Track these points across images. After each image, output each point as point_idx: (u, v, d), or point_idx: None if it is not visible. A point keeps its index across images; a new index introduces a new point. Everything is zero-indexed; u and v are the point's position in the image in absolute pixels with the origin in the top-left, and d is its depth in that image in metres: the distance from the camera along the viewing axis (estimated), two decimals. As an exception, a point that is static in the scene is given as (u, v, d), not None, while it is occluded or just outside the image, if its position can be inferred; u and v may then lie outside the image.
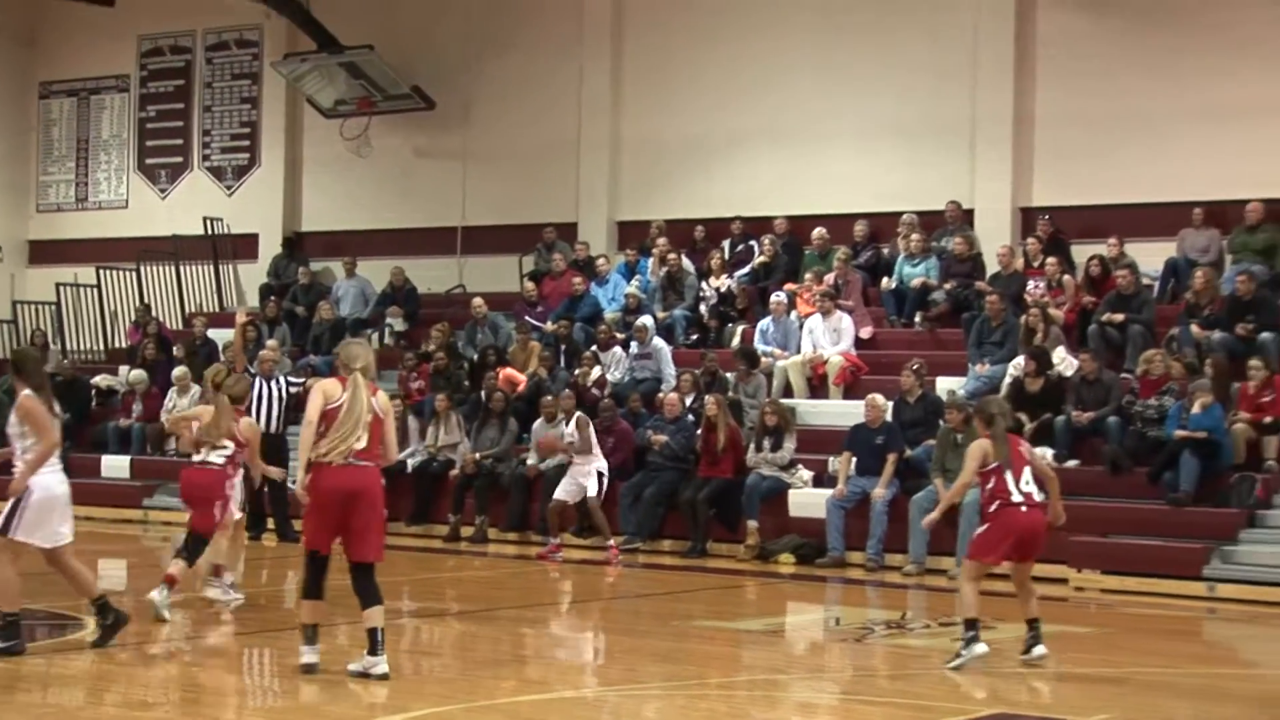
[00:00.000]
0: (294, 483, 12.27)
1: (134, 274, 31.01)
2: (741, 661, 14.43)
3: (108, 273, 31.11)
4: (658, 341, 24.06)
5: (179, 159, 32.29)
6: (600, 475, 20.76)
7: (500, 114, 28.78)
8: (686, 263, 25.67)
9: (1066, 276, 22.99)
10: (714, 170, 26.94)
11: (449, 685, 12.54)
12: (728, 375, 23.03)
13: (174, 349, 28.02)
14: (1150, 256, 23.29)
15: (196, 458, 15.25)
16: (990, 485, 13.19)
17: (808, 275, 24.49)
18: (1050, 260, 23.24)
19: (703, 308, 25.21)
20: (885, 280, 24.69)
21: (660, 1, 27.49)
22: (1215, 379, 19.95)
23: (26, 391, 11.98)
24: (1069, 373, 21.29)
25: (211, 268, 31.06)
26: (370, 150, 29.49)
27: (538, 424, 22.56)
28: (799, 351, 23.49)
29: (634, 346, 24.08)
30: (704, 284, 25.47)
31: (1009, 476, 13.06)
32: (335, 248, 29.55)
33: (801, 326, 23.69)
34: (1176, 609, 17.87)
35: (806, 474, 21.38)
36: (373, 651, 11.28)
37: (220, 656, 13.62)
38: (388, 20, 29.11)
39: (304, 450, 11.44)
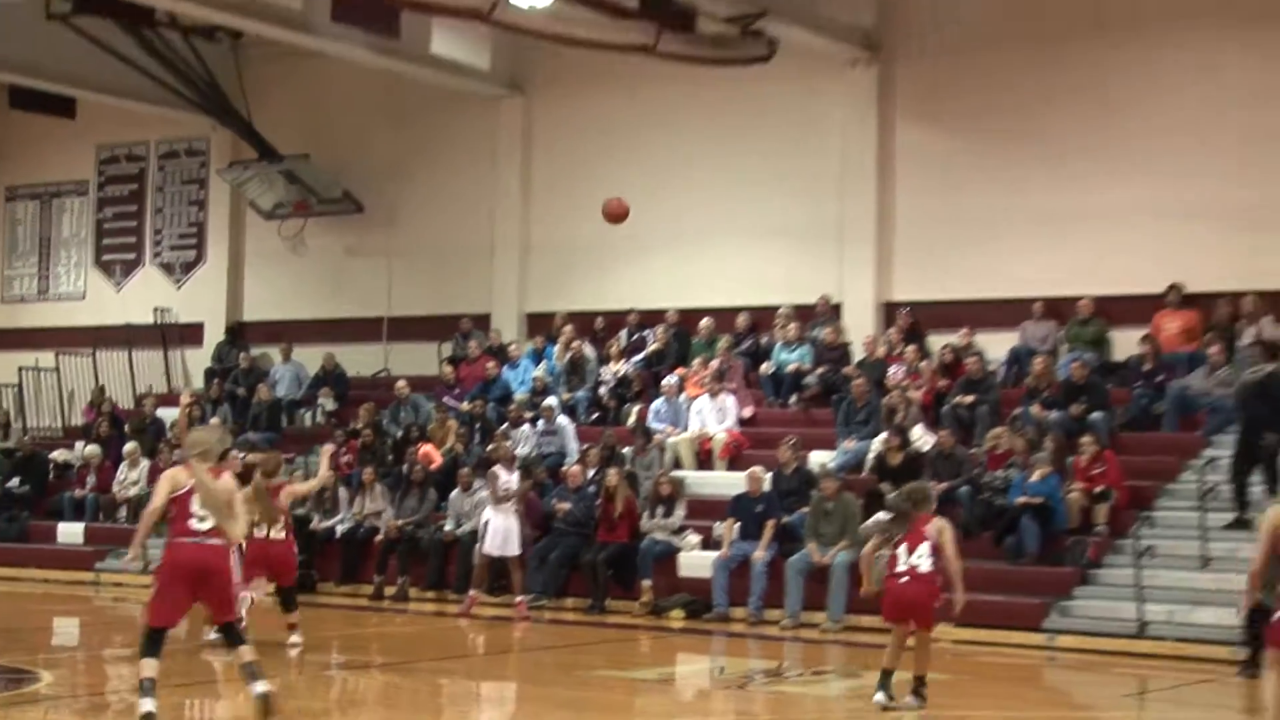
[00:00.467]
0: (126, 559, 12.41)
1: (90, 359, 30.85)
2: (635, 707, 14.49)
3: (66, 358, 30.95)
4: (562, 420, 24.06)
5: (133, 255, 32.12)
6: (523, 528, 20.69)
7: (423, 217, 28.77)
8: (588, 350, 25.76)
9: (923, 363, 23.18)
10: (613, 268, 27.00)
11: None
12: (625, 450, 23.05)
13: (125, 426, 27.89)
14: (996, 345, 23.55)
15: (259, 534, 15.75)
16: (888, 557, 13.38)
17: (695, 361, 24.57)
18: (909, 348, 23.42)
19: (602, 390, 25.23)
20: (764, 365, 24.72)
21: (565, 119, 27.52)
22: (1053, 453, 20.17)
23: None
24: (926, 448, 21.41)
25: (161, 353, 30.82)
26: (305, 248, 29.40)
27: (454, 493, 22.53)
28: (688, 429, 23.51)
29: (541, 424, 24.01)
30: (603, 369, 25.55)
31: (901, 550, 13.15)
32: (273, 335, 29.41)
33: (690, 407, 23.72)
34: (1020, 658, 17.95)
35: (695, 538, 21.34)
36: (255, 678, 11.12)
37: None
38: (322, 132, 29.10)
39: (142, 532, 11.66)
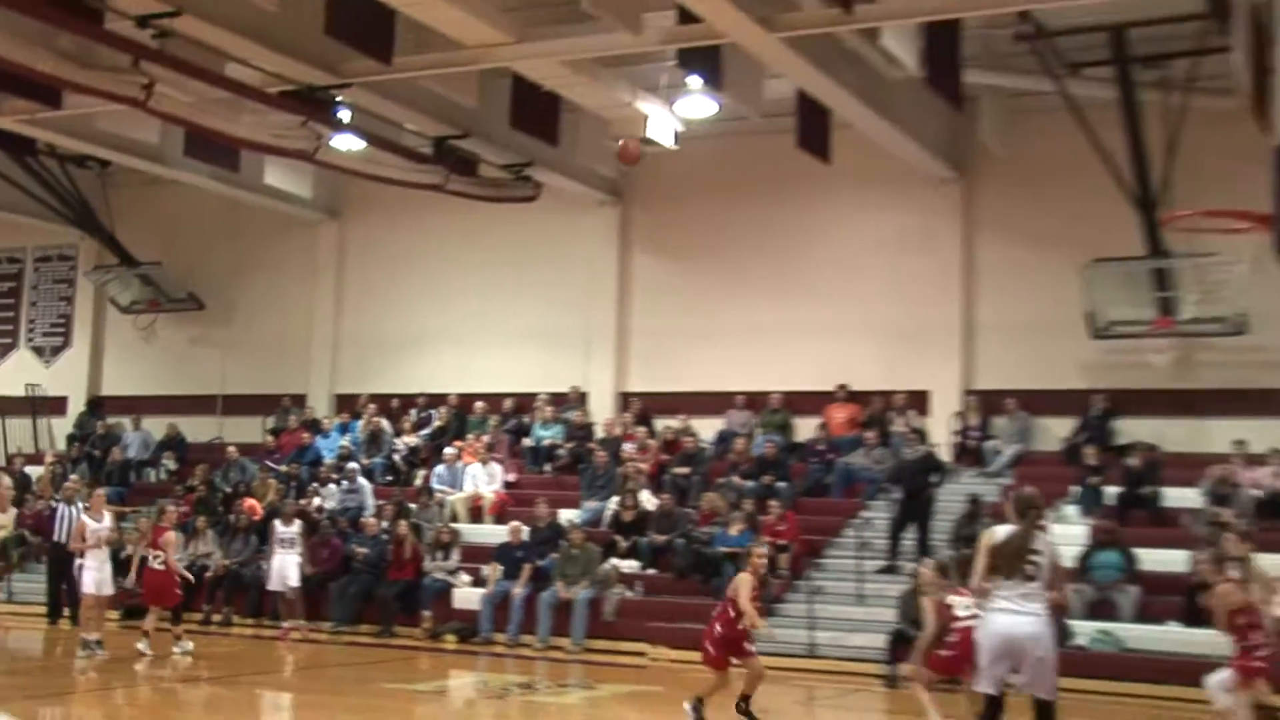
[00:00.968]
0: None
1: (-30, 425, 30.13)
2: (416, 714, 14.45)
3: (-51, 424, 30.20)
4: (362, 480, 23.98)
5: (9, 340, 31.28)
6: (302, 567, 20.79)
7: (253, 314, 28.59)
8: (385, 424, 25.73)
9: (650, 440, 23.43)
10: (407, 359, 27.01)
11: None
12: (412, 505, 23.07)
13: (-1, 480, 27.16)
14: (706, 428, 23.85)
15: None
16: None
17: (471, 435, 24.67)
18: (640, 429, 23.75)
19: (396, 457, 25.23)
20: (525, 440, 24.97)
21: (373, 239, 27.58)
22: (748, 513, 20.58)
23: None
24: (651, 507, 21.62)
25: (30, 421, 30.14)
26: (155, 337, 29.06)
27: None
28: (464, 489, 23.57)
29: (345, 484, 23.96)
30: (397, 440, 25.56)
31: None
32: (127, 408, 28.77)
33: (466, 471, 23.79)
34: None
35: (466, 577, 21.35)
36: None
37: None
38: (172, 244, 28.74)
39: None
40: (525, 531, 21.39)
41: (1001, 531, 9.97)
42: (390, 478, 24.87)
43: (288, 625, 20.49)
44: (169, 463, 27.24)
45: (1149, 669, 16.48)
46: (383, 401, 26.42)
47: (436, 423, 25.71)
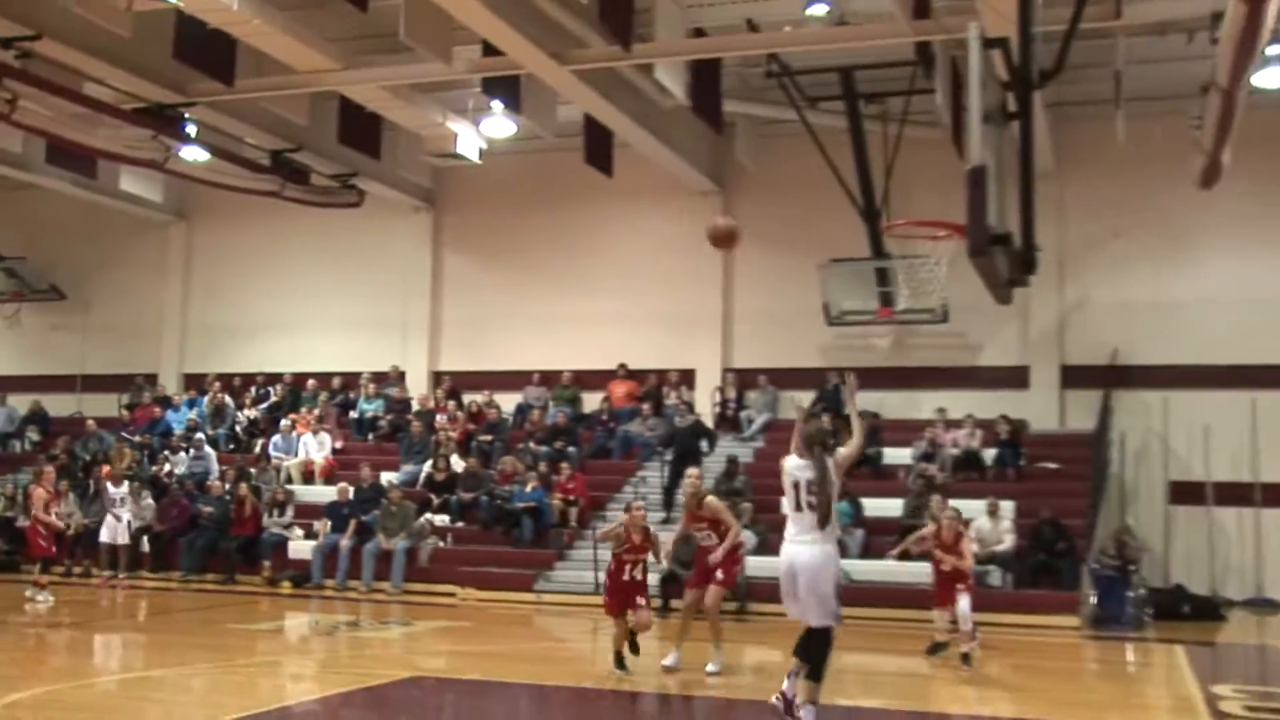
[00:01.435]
0: None
1: None
2: (256, 649, 14.15)
3: None
4: (207, 449, 23.45)
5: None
6: (130, 524, 20.09)
7: (110, 303, 27.58)
8: (228, 400, 25.14)
9: (459, 412, 23.40)
10: (248, 342, 26.38)
11: (62, 670, 12.15)
12: (252, 470, 22.61)
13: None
14: (507, 402, 23.81)
15: None
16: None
17: (303, 409, 24.31)
18: (450, 403, 23.70)
19: (238, 428, 24.69)
20: (351, 413, 24.69)
21: (217, 238, 26.88)
22: (542, 474, 20.63)
23: None
24: (459, 470, 21.57)
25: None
26: (20, 324, 27.80)
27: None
28: (298, 456, 23.24)
29: (192, 452, 23.42)
30: (239, 413, 25.03)
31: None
32: (-6, 386, 27.79)
33: (300, 440, 23.49)
34: (519, 610, 18.19)
35: (300, 531, 21.04)
36: None
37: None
38: (36, 241, 27.50)
39: None
40: (351, 491, 21.13)
41: (788, 464, 9.13)
42: (233, 446, 24.31)
43: (120, 575, 19.72)
44: (33, 435, 26.16)
45: (872, 596, 16.95)
46: (226, 380, 25.81)
47: (273, 398, 25.23)
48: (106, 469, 22.53)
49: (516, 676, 12.11)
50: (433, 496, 21.20)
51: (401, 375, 25.10)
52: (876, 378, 22.13)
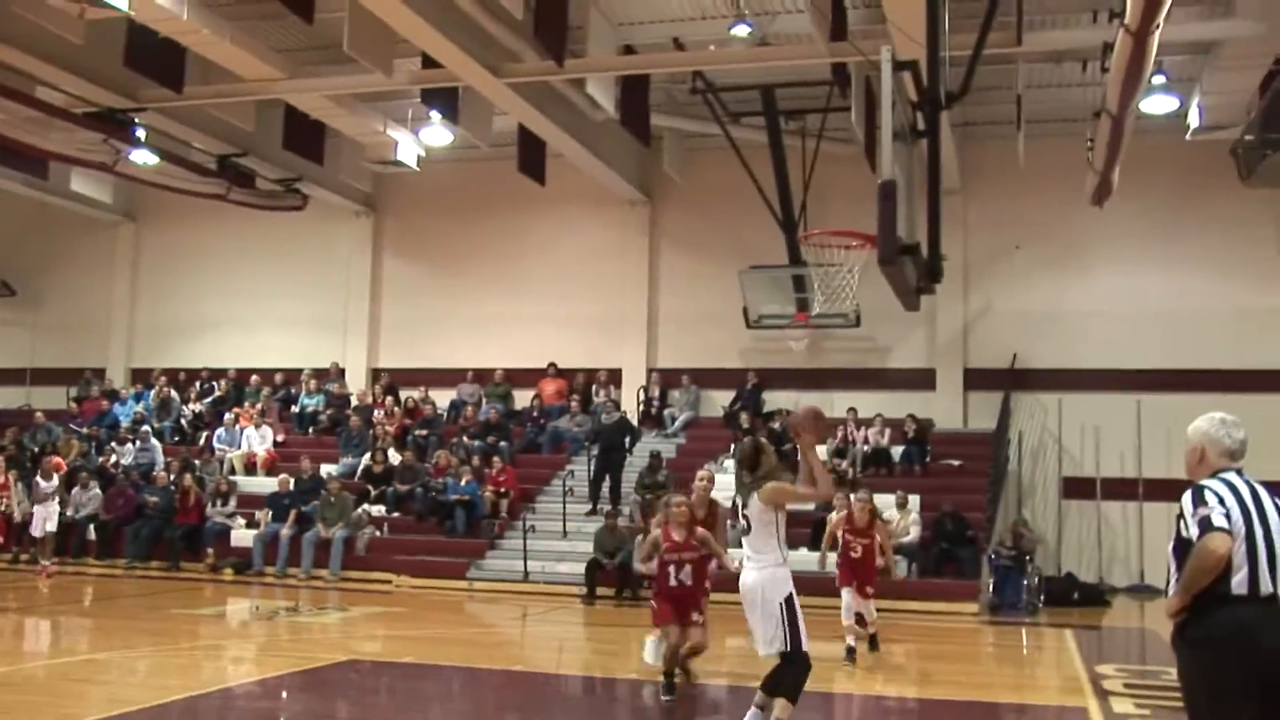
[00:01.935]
0: None
1: None
2: (200, 632, 14.01)
3: None
4: (153, 441, 23.13)
5: None
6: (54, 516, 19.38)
7: (60, 299, 27.11)
8: (174, 394, 24.79)
9: (396, 408, 23.25)
10: (194, 338, 26.04)
11: (8, 653, 11.95)
12: (196, 461, 22.32)
13: None
14: (442, 398, 23.70)
15: None
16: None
17: (246, 403, 24.06)
18: (388, 398, 23.52)
19: (183, 421, 24.37)
20: (293, 407, 24.45)
21: (165, 239, 26.49)
22: (475, 467, 20.58)
23: None
24: (396, 462, 21.44)
25: None
26: (-31, 319, 27.40)
27: (75, 490, 21.27)
28: (241, 448, 23.00)
29: (138, 444, 23.07)
30: (184, 407, 24.70)
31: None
32: (-56, 379, 27.16)
33: (243, 433, 23.24)
34: (451, 597, 18.08)
35: (242, 520, 20.84)
36: None
37: None
38: (-14, 238, 27.24)
39: None
40: (291, 482, 20.94)
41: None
42: (178, 438, 23.99)
43: (46, 564, 19.24)
44: (-19, 425, 25.67)
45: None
46: (172, 374, 25.48)
47: (218, 392, 24.93)
48: (55, 460, 22.15)
49: (449, 660, 12.08)
50: (370, 488, 21.07)
51: (341, 372, 24.91)
52: (792, 378, 22.33)
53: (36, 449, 23.50)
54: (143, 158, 20.52)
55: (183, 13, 15.58)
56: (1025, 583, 17.91)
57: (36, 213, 26.40)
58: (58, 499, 19.67)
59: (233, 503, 21.17)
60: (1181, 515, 4.95)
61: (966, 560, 17.95)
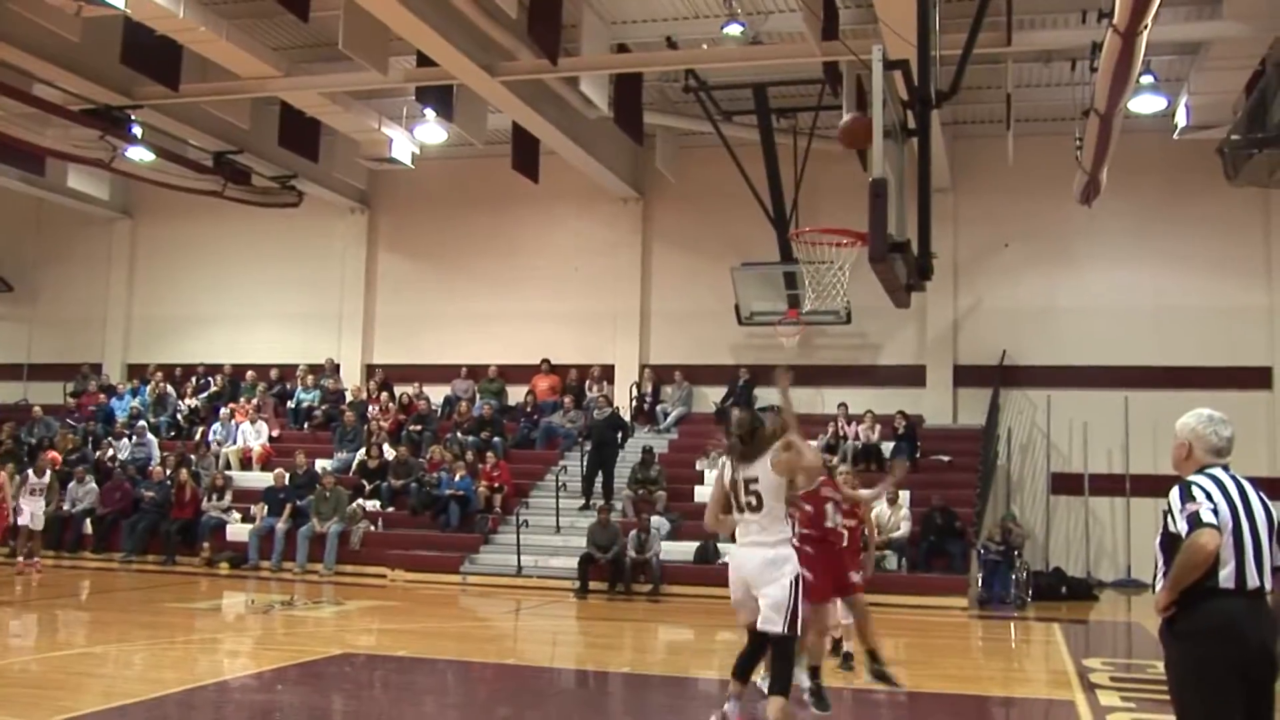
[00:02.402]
0: None
1: None
2: (195, 627, 13.95)
3: None
4: (149, 436, 23.07)
5: None
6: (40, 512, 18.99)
7: (57, 295, 27.02)
8: (170, 389, 24.73)
9: (391, 403, 23.21)
10: (190, 334, 25.99)
11: (5, 646, 11.92)
12: (192, 456, 22.26)
13: None
14: (436, 394, 23.62)
15: None
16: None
17: (242, 399, 24.03)
18: (382, 394, 23.46)
19: (179, 416, 24.32)
20: (289, 403, 24.35)
21: (162, 235, 26.40)
22: (469, 462, 20.59)
23: None
24: (391, 457, 21.41)
25: None
26: (-33, 314, 27.31)
27: (71, 484, 21.24)
28: (236, 443, 22.96)
29: (134, 438, 23.01)
30: (180, 402, 24.65)
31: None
32: (-60, 374, 27.08)
33: (238, 428, 23.22)
34: (446, 591, 18.12)
35: (238, 515, 20.80)
36: None
37: None
38: (-17, 235, 27.15)
39: None
40: (287, 477, 20.90)
41: (725, 464, 7.67)
42: (174, 433, 23.92)
43: (34, 559, 19.06)
44: (-22, 422, 25.63)
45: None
46: (168, 370, 25.43)
47: (213, 388, 24.90)
48: (52, 454, 22.11)
49: (443, 653, 12.08)
50: (365, 483, 21.04)
51: (336, 367, 24.86)
52: (784, 374, 22.29)
53: (34, 442, 23.48)
54: (139, 154, 20.51)
55: (179, 10, 15.55)
56: (1014, 577, 17.93)
57: (33, 209, 26.35)
58: (44, 497, 19.28)
59: (228, 497, 21.13)
60: (1169, 511, 4.96)
61: (956, 555, 17.97)
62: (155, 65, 17.33)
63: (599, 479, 20.06)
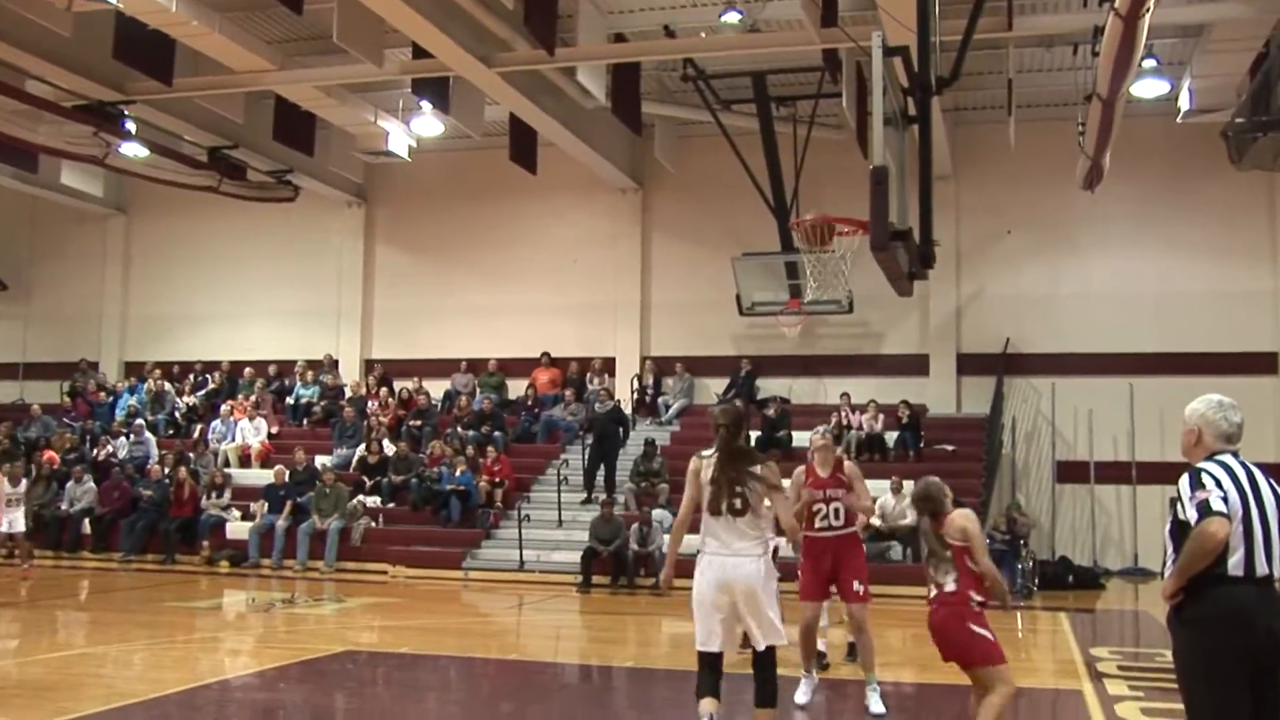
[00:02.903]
0: None
1: None
2: (196, 626, 13.95)
3: None
4: (147, 434, 23.08)
5: None
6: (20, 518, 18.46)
7: (51, 293, 27.02)
8: (168, 386, 24.77)
9: (390, 399, 23.21)
10: (187, 331, 25.98)
11: (5, 648, 11.93)
12: (190, 454, 22.30)
13: None
14: (436, 388, 23.63)
15: None
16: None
17: (241, 396, 24.04)
18: (382, 389, 23.50)
19: (177, 414, 24.31)
20: (287, 399, 24.34)
21: (157, 231, 26.41)
22: (470, 457, 20.60)
23: None
24: (390, 453, 21.47)
25: None
26: (-38, 314, 27.26)
27: (70, 484, 21.33)
28: (235, 440, 23.00)
29: (132, 437, 23.01)
30: (178, 400, 24.65)
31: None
32: (-64, 373, 27.06)
33: (237, 425, 23.24)
34: (447, 587, 18.15)
35: (237, 513, 20.83)
36: None
37: None
38: (-23, 233, 27.12)
39: None
40: (286, 474, 20.93)
41: (705, 456, 6.96)
42: (172, 431, 23.93)
43: (23, 565, 18.85)
44: (-25, 421, 25.61)
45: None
46: (165, 367, 25.47)
47: (211, 385, 24.91)
48: (49, 454, 22.15)
49: (446, 650, 12.09)
50: (365, 479, 21.06)
51: (335, 363, 24.87)
52: (786, 365, 22.34)
53: (32, 438, 23.48)
54: (133, 150, 20.46)
55: (171, 5, 15.54)
56: (1020, 567, 17.93)
57: (27, 207, 26.36)
58: (21, 503, 18.96)
59: (227, 495, 21.15)
60: (1178, 498, 4.95)
61: (961, 545, 17.91)
62: (148, 60, 17.29)
63: (601, 472, 20.07)
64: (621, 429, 20.78)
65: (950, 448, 20.48)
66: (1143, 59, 15.08)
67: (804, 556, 9.11)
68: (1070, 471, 21.23)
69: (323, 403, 23.77)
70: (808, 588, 9.00)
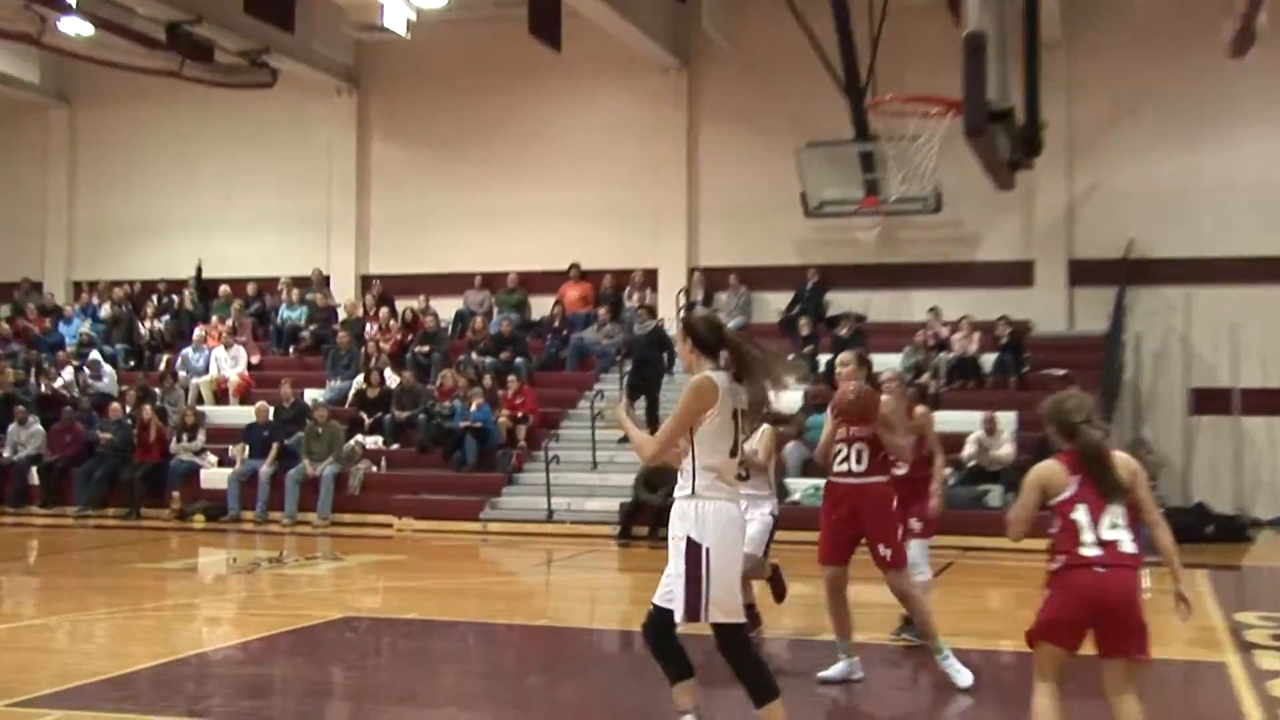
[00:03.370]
0: None
1: None
2: (167, 591, 14.06)
3: None
4: (105, 367, 23.30)
5: None
6: None
7: (-14, 202, 27.42)
8: (128, 309, 24.98)
9: (392, 321, 23.33)
10: (147, 243, 26.17)
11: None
12: (156, 390, 22.51)
13: None
14: (445, 308, 23.79)
15: None
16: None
17: (215, 319, 24.21)
18: (381, 310, 23.63)
19: (139, 342, 24.53)
20: (270, 323, 24.50)
21: (107, 126, 26.49)
22: (487, 389, 20.78)
23: None
24: (394, 385, 21.60)
25: None
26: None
27: (11, 426, 21.64)
28: (209, 372, 23.20)
29: (87, 370, 23.20)
30: (141, 325, 24.88)
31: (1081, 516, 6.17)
32: None
33: (211, 355, 23.42)
34: (463, 541, 18.33)
35: (213, 458, 21.07)
36: None
37: None
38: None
39: None
40: (270, 412, 21.13)
41: (719, 379, 6.57)
42: (134, 363, 24.19)
43: None
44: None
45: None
46: (124, 286, 25.64)
47: (179, 307, 25.03)
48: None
49: (461, 615, 12.17)
50: (363, 416, 21.24)
51: (326, 280, 24.99)
52: (862, 275, 22.29)
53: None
54: (75, 27, 20.46)
55: None
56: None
57: (-45, 98, 26.53)
58: None
59: (201, 437, 21.38)
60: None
61: (1074, 489, 17.91)
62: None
63: (642, 405, 20.13)
64: (666, 354, 20.77)
65: (1060, 372, 20.35)
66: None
67: (821, 504, 8.99)
68: (1209, 400, 21.12)
69: (312, 327, 23.92)
70: (823, 546, 8.70)
